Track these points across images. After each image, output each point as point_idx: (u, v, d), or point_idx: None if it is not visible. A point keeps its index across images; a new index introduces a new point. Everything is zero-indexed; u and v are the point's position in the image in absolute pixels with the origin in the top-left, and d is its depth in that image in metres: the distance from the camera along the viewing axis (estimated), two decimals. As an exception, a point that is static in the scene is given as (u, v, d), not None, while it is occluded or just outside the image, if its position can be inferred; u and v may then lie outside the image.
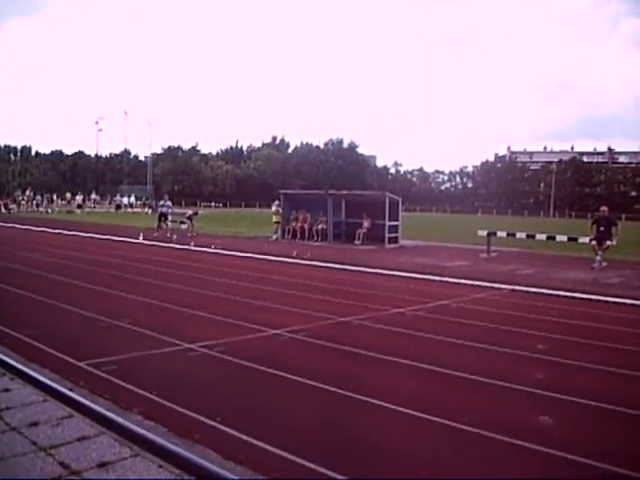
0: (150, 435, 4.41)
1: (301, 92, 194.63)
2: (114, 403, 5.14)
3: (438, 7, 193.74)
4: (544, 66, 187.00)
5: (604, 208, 18.69)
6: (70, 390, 5.33)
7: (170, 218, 28.24)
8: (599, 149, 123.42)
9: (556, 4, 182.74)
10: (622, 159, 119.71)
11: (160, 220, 27.87)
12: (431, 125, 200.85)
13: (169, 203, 28.72)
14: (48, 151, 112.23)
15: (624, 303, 11.54)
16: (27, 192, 58.05)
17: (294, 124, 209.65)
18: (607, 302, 11.63)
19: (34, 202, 55.76)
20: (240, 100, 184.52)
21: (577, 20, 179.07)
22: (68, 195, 62.28)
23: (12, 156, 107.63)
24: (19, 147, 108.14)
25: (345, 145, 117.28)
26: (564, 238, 20.89)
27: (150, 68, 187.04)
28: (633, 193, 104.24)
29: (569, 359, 7.26)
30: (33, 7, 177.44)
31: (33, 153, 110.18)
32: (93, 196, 69.39)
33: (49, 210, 53.39)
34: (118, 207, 63.80)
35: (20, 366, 5.96)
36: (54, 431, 4.51)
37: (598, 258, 17.36)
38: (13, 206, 52.95)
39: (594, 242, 17.70)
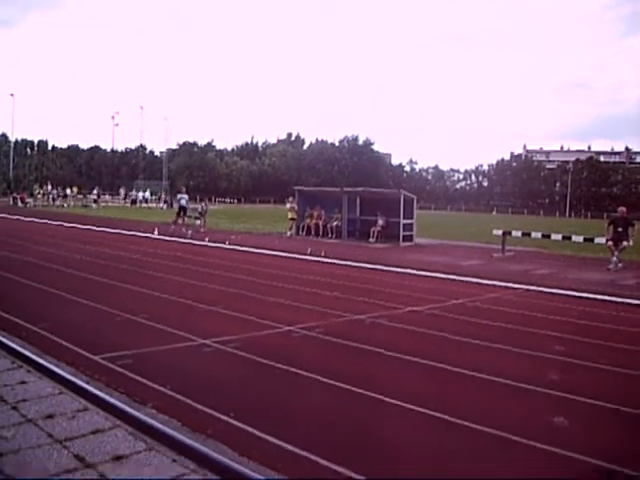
0: (164, 429, 4.44)
1: (317, 88, 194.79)
2: (129, 397, 5.16)
3: (456, 4, 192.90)
4: (561, 65, 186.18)
5: (622, 208, 18.55)
6: (86, 383, 5.37)
7: (188, 212, 28.31)
8: (616, 149, 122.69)
9: (573, 2, 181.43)
10: (639, 159, 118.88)
11: (179, 214, 27.91)
12: (447, 123, 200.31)
13: (186, 196, 28.71)
14: (65, 145, 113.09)
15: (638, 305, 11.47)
16: (48, 186, 58.15)
17: (309, 120, 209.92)
18: (623, 303, 11.54)
19: (50, 196, 56.04)
20: (255, 96, 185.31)
21: (595, 19, 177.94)
22: (75, 189, 61.75)
23: (29, 150, 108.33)
24: (36, 141, 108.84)
25: (360, 142, 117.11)
26: (580, 238, 20.75)
27: (166, 63, 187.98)
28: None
29: (585, 360, 7.21)
30: (51, 2, 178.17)
31: (50, 147, 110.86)
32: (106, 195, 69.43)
33: (65, 204, 53.66)
34: (133, 202, 64.07)
35: (36, 358, 6.01)
36: (69, 424, 4.54)
37: (614, 259, 17.23)
38: (30, 200, 53.30)
39: (610, 243, 17.57)
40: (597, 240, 19.33)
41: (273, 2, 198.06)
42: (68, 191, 58.23)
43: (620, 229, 17.64)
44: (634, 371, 6.87)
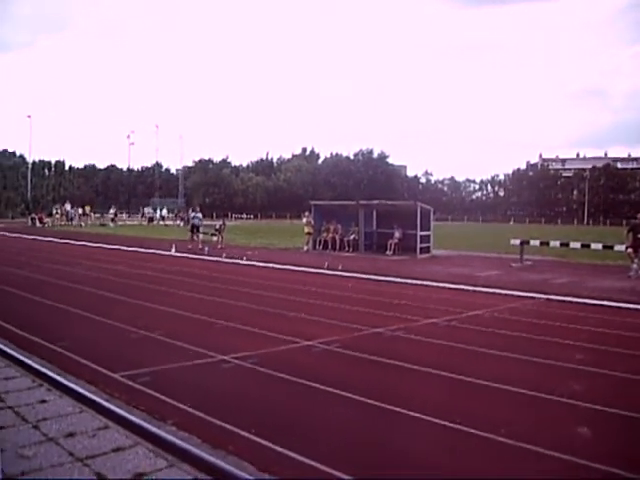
0: (185, 445, 4.43)
1: (331, 102, 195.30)
2: (149, 414, 5.16)
3: (469, 14, 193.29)
4: (576, 72, 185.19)
5: None
6: (106, 401, 5.38)
7: (202, 230, 28.47)
8: (633, 155, 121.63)
9: (588, 10, 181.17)
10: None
11: (192, 232, 28.12)
12: (461, 133, 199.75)
13: (200, 215, 28.93)
14: (81, 165, 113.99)
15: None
16: (67, 206, 58.45)
17: (324, 135, 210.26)
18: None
19: (68, 215, 56.44)
20: (270, 112, 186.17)
21: (609, 25, 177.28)
22: (87, 208, 61.76)
23: (46, 171, 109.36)
24: (53, 162, 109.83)
25: (375, 155, 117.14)
26: (599, 246, 20.57)
27: (181, 81, 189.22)
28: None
29: (608, 369, 7.13)
30: (63, 23, 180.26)
31: (67, 168, 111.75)
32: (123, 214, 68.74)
33: (82, 223, 54.08)
34: (150, 220, 64.41)
35: (57, 377, 6.03)
36: (90, 442, 4.54)
37: (634, 266, 17.06)
38: (48, 220, 53.75)
39: (630, 250, 17.39)
40: (617, 247, 19.15)
41: (287, 17, 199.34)
42: (80, 210, 58.54)
43: (639, 235, 17.46)
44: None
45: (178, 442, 4.49)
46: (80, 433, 4.70)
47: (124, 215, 71.29)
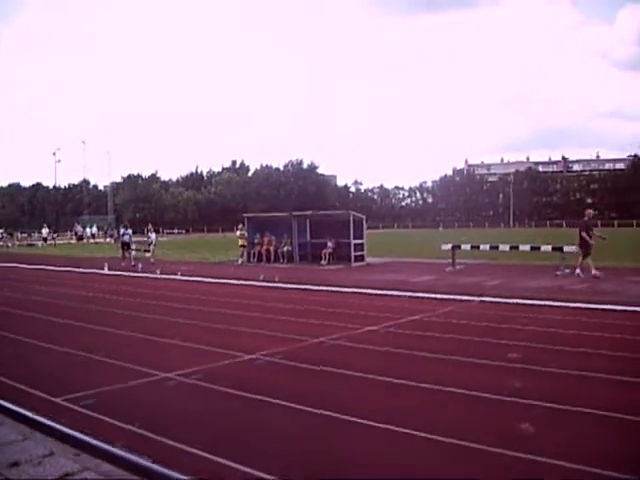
0: (138, 461, 4.39)
1: (259, 114, 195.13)
2: (96, 438, 5.07)
3: (395, 25, 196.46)
4: (499, 79, 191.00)
5: (590, 211, 19.13)
6: (51, 427, 5.26)
7: (134, 247, 28.03)
8: (554, 158, 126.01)
9: (510, 18, 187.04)
10: (576, 167, 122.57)
11: (124, 249, 27.65)
12: (390, 142, 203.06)
13: (130, 231, 28.51)
14: (5, 184, 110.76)
15: (588, 308, 11.76)
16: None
17: (253, 147, 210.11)
18: (573, 308, 11.82)
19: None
20: (198, 126, 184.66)
21: (531, 33, 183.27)
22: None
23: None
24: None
25: (305, 166, 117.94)
26: (527, 247, 21.25)
27: (107, 97, 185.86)
28: (588, 200, 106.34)
29: (541, 366, 7.38)
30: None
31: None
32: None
33: (9, 244, 52.39)
34: (80, 238, 62.84)
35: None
36: (36, 470, 4.45)
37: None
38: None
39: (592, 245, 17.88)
40: (543, 248, 19.86)
41: (211, 26, 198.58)
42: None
43: (591, 232, 18.02)
44: (588, 373, 7.06)
45: (130, 457, 4.46)
46: (25, 462, 4.60)
47: (51, 234, 69.26)
